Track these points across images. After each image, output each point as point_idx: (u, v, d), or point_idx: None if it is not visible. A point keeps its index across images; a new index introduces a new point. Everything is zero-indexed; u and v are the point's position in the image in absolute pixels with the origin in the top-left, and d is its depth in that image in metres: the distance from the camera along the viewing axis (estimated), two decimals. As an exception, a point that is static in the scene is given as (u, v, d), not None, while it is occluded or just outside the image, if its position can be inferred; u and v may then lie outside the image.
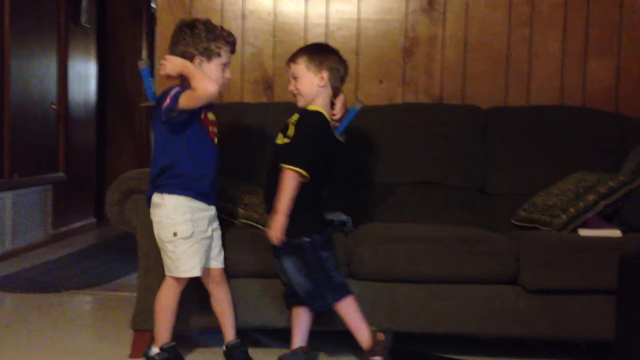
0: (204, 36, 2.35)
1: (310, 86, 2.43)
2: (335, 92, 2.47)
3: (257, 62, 3.57)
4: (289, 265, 2.39)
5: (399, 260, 2.53)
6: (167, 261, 2.39)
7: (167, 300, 2.42)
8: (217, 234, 2.48)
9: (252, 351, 2.54)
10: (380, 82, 3.55)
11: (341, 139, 2.48)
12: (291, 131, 2.42)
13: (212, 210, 2.44)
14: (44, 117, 5.05)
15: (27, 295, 3.50)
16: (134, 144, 6.51)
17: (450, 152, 3.15)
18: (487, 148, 3.16)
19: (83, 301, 3.52)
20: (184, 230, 2.34)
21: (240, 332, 2.53)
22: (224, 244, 2.53)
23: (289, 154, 2.36)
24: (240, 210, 2.75)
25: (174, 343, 2.46)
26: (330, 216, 2.89)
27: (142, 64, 2.40)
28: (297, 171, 2.31)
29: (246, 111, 3.30)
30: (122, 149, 6.65)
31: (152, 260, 2.55)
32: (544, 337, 2.59)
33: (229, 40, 2.40)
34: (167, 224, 2.35)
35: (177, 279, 2.40)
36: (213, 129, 2.43)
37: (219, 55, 2.37)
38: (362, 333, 2.37)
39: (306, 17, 3.57)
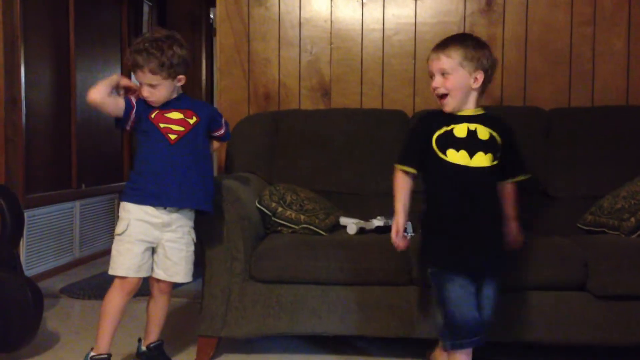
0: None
1: (463, 87, 2.11)
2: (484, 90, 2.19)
3: (314, 68, 3.59)
4: (493, 292, 2.13)
5: (462, 266, 2.49)
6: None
7: (108, 305, 2.41)
8: (174, 247, 2.45)
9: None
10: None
11: None
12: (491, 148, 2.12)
13: (162, 218, 2.40)
14: (109, 128, 5.18)
15: (94, 302, 3.59)
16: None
17: (512, 155, 3.09)
18: (550, 150, 3.10)
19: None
20: (119, 227, 2.39)
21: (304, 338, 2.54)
22: (280, 251, 2.56)
23: (521, 166, 2.25)
24: (302, 216, 2.77)
25: (107, 355, 2.42)
26: (390, 221, 2.87)
27: None
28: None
29: (304, 118, 3.32)
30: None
31: (216, 267, 2.59)
32: (614, 344, 2.51)
33: (132, 63, 2.37)
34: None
35: (120, 282, 2.40)
36: (172, 127, 2.40)
37: (135, 72, 2.39)
38: None
39: (363, 22, 3.57)
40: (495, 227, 2.14)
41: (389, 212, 2.96)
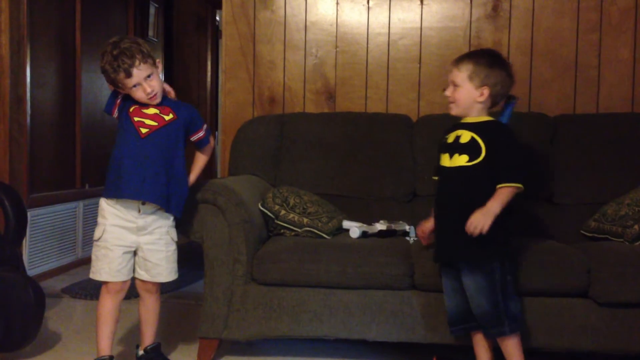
0: (104, 69, 2.36)
1: (468, 99, 2.33)
2: (496, 103, 2.39)
3: (319, 72, 3.59)
4: (471, 282, 2.26)
5: (464, 272, 2.49)
6: None
7: (100, 309, 2.45)
8: (153, 249, 2.44)
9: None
10: (444, 90, 3.49)
11: None
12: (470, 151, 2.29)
13: (137, 223, 2.41)
14: (112, 128, 5.19)
15: (96, 302, 3.57)
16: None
17: (516, 161, 3.08)
18: (555, 157, 3.09)
19: (150, 308, 3.58)
20: (96, 233, 2.43)
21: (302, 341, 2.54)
22: (282, 254, 2.56)
23: (505, 172, 2.25)
24: (305, 220, 2.77)
25: (109, 356, 2.44)
26: (393, 226, 2.87)
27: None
28: (515, 187, 2.23)
29: (308, 121, 3.32)
30: (187, 158, 6.77)
31: (218, 269, 2.59)
32: (616, 352, 2.50)
33: (120, 69, 2.33)
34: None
35: (105, 286, 2.43)
36: (145, 121, 2.41)
37: (122, 85, 2.37)
38: None
39: (368, 26, 3.57)
40: (463, 221, 2.23)
41: (392, 216, 2.97)
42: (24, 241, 3.79)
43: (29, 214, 3.41)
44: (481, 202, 2.22)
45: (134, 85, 2.36)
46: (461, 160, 2.31)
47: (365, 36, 3.58)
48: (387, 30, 3.56)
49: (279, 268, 2.57)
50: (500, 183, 2.23)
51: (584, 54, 3.42)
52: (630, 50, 3.40)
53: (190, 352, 2.73)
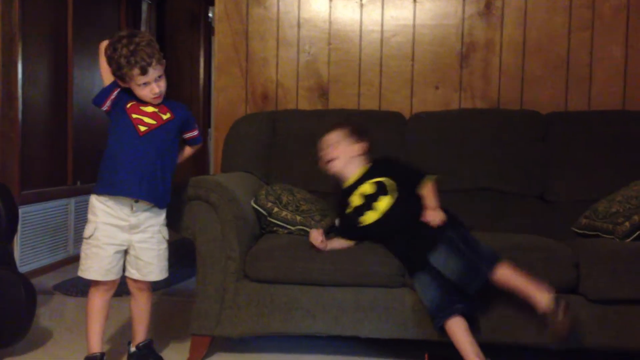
0: (116, 61, 2.32)
1: (349, 152, 2.73)
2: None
3: (312, 69, 3.59)
4: (438, 255, 2.40)
5: (456, 269, 2.50)
6: None
7: (89, 306, 2.44)
8: (144, 247, 2.44)
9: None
10: (436, 88, 3.52)
11: None
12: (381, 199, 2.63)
13: (130, 221, 2.40)
14: (105, 125, 5.17)
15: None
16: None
17: (508, 158, 3.10)
18: (547, 154, 3.10)
19: (142, 305, 3.57)
20: (86, 231, 2.40)
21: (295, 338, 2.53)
22: (275, 251, 2.56)
23: (417, 174, 2.68)
24: (298, 217, 2.77)
25: (100, 353, 2.44)
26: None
27: None
28: (432, 179, 2.64)
29: (301, 118, 3.32)
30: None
31: (210, 266, 2.59)
32: (607, 348, 2.51)
33: (137, 65, 2.31)
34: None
35: (94, 284, 2.43)
36: (144, 119, 2.40)
37: (131, 79, 2.34)
38: (536, 289, 2.31)
39: (361, 24, 3.57)
40: (414, 232, 2.53)
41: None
42: (15, 238, 3.78)
43: (20, 210, 3.39)
44: (418, 206, 2.58)
45: (144, 83, 2.35)
46: (386, 202, 2.63)
47: (358, 33, 3.58)
48: (380, 28, 3.56)
49: (271, 266, 2.56)
50: (420, 186, 2.62)
51: (576, 52, 3.43)
52: (622, 48, 3.41)
53: (183, 349, 2.73)
